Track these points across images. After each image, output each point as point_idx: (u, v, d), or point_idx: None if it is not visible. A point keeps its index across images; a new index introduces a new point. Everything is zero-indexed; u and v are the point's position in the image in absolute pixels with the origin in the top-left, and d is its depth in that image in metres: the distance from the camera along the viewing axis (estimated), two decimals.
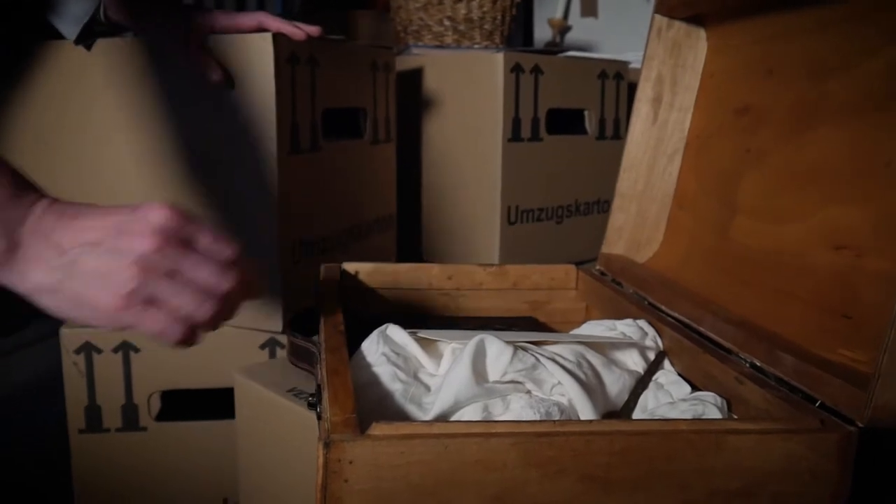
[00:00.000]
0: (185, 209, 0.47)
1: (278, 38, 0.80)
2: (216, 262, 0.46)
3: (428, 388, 0.50)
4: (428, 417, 0.46)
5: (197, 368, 0.89)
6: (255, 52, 0.80)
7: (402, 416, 0.46)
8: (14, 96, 0.92)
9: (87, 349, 0.88)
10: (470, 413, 0.47)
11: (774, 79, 0.67)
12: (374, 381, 0.48)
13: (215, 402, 0.89)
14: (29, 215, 0.45)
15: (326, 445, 0.37)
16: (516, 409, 0.47)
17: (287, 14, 2.85)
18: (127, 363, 0.88)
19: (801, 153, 0.62)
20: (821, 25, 0.61)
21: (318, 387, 0.47)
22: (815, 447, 0.41)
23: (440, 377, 0.50)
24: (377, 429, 0.38)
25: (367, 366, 0.51)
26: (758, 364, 0.52)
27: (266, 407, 0.72)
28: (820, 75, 0.61)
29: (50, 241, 0.45)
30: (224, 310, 0.46)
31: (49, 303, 0.45)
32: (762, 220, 0.66)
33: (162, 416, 0.91)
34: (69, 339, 0.87)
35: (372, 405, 0.46)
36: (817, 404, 0.46)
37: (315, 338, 0.55)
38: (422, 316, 0.73)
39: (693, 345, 0.57)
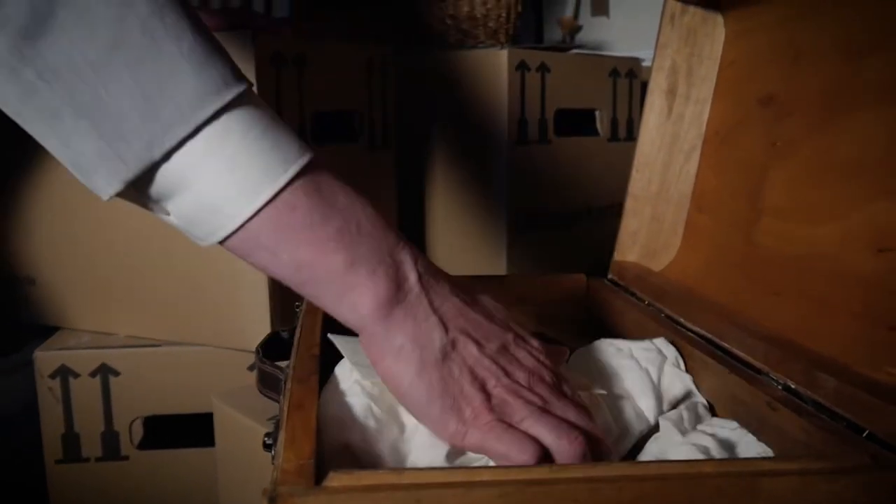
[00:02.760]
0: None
1: (260, 36, 0.74)
2: (583, 413, 0.40)
3: (403, 428, 0.43)
4: (402, 463, 0.40)
5: (181, 393, 0.83)
6: (235, 51, 0.74)
7: (371, 459, 0.40)
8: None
9: (64, 373, 0.82)
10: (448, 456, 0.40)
11: (802, 63, 0.60)
12: (344, 416, 0.41)
13: (202, 428, 0.83)
14: (405, 249, 0.40)
15: (272, 500, 0.30)
16: None
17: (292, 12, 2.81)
18: (106, 388, 0.83)
19: (835, 144, 0.55)
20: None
21: (276, 424, 0.41)
22: (866, 490, 0.34)
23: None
24: (335, 479, 0.31)
25: (341, 394, 0.44)
26: (793, 386, 0.45)
27: (245, 435, 0.66)
28: (855, 56, 0.54)
29: (433, 303, 0.39)
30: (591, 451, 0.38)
31: (400, 371, 0.38)
32: (793, 221, 0.58)
33: (145, 444, 0.85)
34: (44, 362, 0.82)
35: (338, 446, 0.40)
36: (865, 434, 0.39)
37: (287, 363, 0.49)
38: None
39: (718, 364, 0.50)
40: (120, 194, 0.36)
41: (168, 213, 0.38)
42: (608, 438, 0.42)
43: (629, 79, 1.18)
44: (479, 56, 1.05)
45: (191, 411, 0.83)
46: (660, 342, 0.57)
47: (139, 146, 0.34)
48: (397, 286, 0.38)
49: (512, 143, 1.03)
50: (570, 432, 0.37)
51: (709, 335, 0.55)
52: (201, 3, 2.59)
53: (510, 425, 0.37)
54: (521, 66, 1.02)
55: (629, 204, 0.75)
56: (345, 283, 0.38)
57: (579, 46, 1.65)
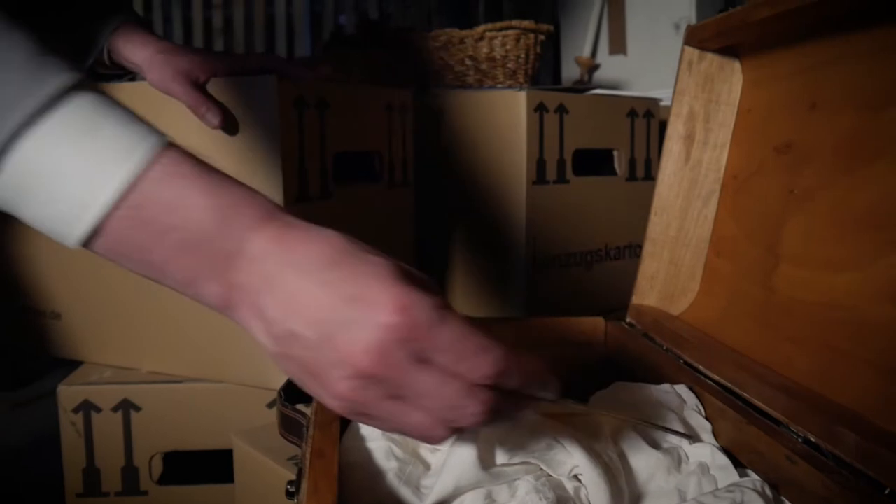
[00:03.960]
0: (437, 298, 0.36)
1: (284, 81, 0.76)
2: (455, 391, 0.35)
3: (428, 467, 0.43)
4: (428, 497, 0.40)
5: (200, 429, 0.83)
6: (259, 96, 0.76)
7: (393, 501, 0.40)
8: None
9: (86, 408, 0.83)
10: (470, 500, 0.40)
11: (819, 113, 0.61)
12: (366, 459, 0.42)
13: (221, 464, 0.83)
14: (242, 255, 0.36)
15: None
16: (521, 495, 0.41)
17: (314, 54, 2.86)
18: (127, 423, 0.84)
19: (853, 194, 0.55)
20: (871, 52, 0.55)
21: (300, 471, 0.41)
22: None
23: (443, 453, 0.44)
24: None
25: (361, 440, 0.45)
26: (813, 440, 0.45)
27: (263, 473, 0.67)
28: (872, 107, 0.54)
29: (256, 308, 0.36)
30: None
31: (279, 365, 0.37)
32: (811, 269, 0.59)
33: (164, 480, 0.85)
34: (67, 396, 0.83)
35: (360, 488, 0.40)
36: (886, 492, 0.39)
37: (309, 407, 0.49)
38: None
39: (737, 414, 0.50)
40: None
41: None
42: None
43: (647, 119, 1.18)
44: (498, 97, 1.06)
45: (210, 448, 0.84)
46: (680, 388, 0.57)
47: None
48: (228, 301, 0.37)
49: (530, 182, 1.04)
50: (430, 430, 0.36)
51: (727, 384, 0.56)
52: (246, 41, 2.62)
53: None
54: (540, 108, 1.03)
55: (647, 248, 0.75)
56: (194, 292, 0.38)
57: (597, 85, 1.66)
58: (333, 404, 0.36)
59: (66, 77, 0.34)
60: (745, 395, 0.53)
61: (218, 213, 0.36)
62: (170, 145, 0.37)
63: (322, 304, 0.35)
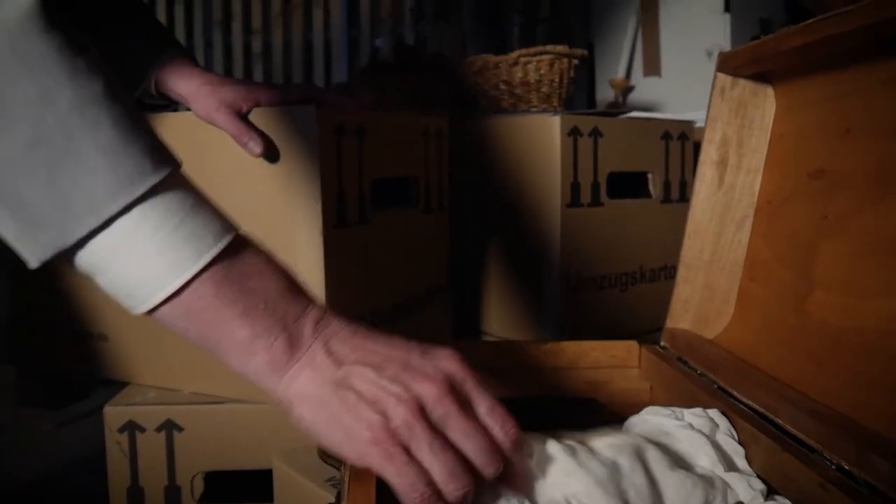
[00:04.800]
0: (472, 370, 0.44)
1: (323, 110, 0.78)
2: (487, 441, 0.42)
3: None
4: None
5: (241, 449, 0.85)
6: (300, 125, 0.78)
7: None
8: None
9: (131, 428, 0.85)
10: None
11: (852, 138, 0.61)
12: None
13: (262, 484, 0.85)
14: (305, 315, 0.43)
15: None
16: None
17: (352, 77, 2.90)
18: (170, 443, 0.86)
19: (886, 220, 0.55)
20: None
21: (338, 493, 0.43)
22: None
23: None
24: None
25: None
26: (846, 467, 0.45)
27: (303, 494, 0.68)
28: None
29: (330, 349, 0.43)
30: (473, 490, 0.41)
31: (303, 414, 0.42)
32: (844, 295, 0.59)
33: (205, 499, 0.87)
34: (113, 416, 0.85)
35: None
36: None
37: None
38: None
39: (770, 440, 0.51)
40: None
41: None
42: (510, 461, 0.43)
43: (681, 141, 1.19)
44: (532, 121, 1.07)
45: (250, 468, 0.86)
46: (713, 412, 0.58)
47: (52, 234, 0.38)
48: (293, 349, 0.42)
49: (564, 205, 1.05)
50: (459, 479, 0.40)
51: (761, 409, 0.56)
52: (284, 68, 2.67)
53: (410, 454, 0.40)
54: (574, 132, 1.05)
55: (681, 272, 0.76)
56: (246, 352, 0.42)
57: (632, 107, 1.67)
58: (381, 429, 0.40)
59: (149, 181, 0.39)
60: (779, 420, 0.53)
61: (286, 284, 0.43)
62: (238, 235, 0.43)
63: (394, 349, 0.43)
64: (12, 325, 1.08)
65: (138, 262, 0.39)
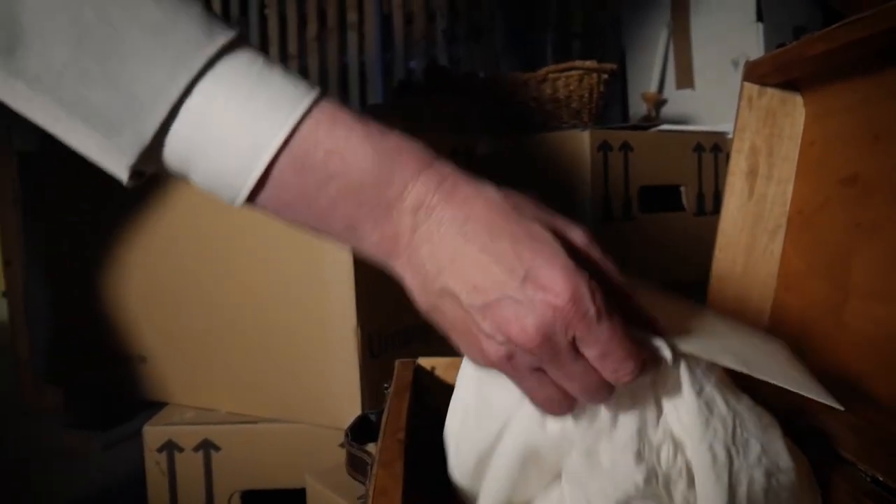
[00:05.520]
0: (603, 254, 0.39)
1: None
2: (598, 377, 0.37)
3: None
4: None
5: (276, 468, 0.86)
6: None
7: None
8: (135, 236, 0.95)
9: (170, 447, 0.87)
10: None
11: (882, 144, 0.60)
12: None
13: (296, 502, 0.86)
14: (406, 200, 0.37)
15: None
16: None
17: (386, 99, 2.93)
18: (208, 462, 0.87)
19: None
20: None
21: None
22: None
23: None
24: None
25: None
26: (881, 479, 0.44)
27: None
28: None
29: (414, 259, 0.37)
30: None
31: (421, 306, 0.39)
32: (881, 303, 0.57)
33: None
34: (152, 436, 0.87)
35: None
36: None
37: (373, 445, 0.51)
38: None
39: (802, 452, 0.49)
40: (150, 173, 0.37)
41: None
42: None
43: (714, 153, 1.18)
44: (562, 137, 1.07)
45: (285, 487, 0.86)
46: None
47: (130, 133, 0.35)
48: (392, 244, 0.38)
49: (596, 220, 1.04)
50: (562, 404, 0.38)
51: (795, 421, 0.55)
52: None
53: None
54: (604, 147, 1.04)
55: (713, 285, 0.75)
56: (349, 240, 0.39)
57: (665, 120, 1.66)
58: (479, 359, 0.38)
59: (231, 33, 0.36)
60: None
61: (377, 160, 0.37)
62: (326, 97, 0.37)
63: (487, 273, 0.36)
64: (55, 348, 1.11)
65: (216, 149, 0.35)
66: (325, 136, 0.36)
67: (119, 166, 0.36)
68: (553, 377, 0.37)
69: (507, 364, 0.37)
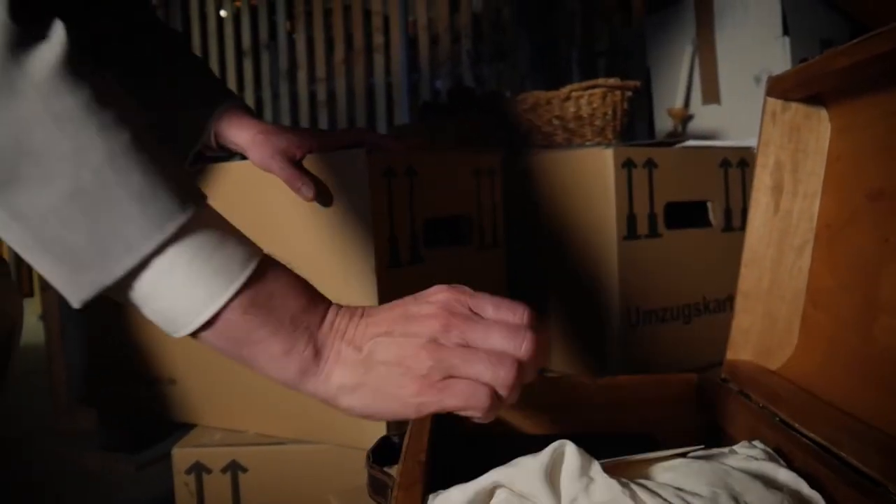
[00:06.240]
0: (466, 287, 0.49)
1: (372, 153, 0.80)
2: (506, 327, 0.46)
3: None
4: None
5: (302, 489, 0.86)
6: (350, 169, 0.80)
7: None
8: None
9: (198, 469, 0.88)
10: None
11: None
12: None
13: None
14: (324, 321, 0.47)
15: None
16: None
17: (413, 120, 2.96)
18: (235, 484, 0.87)
19: None
20: None
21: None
22: None
23: None
24: None
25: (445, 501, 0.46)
26: None
27: None
28: None
29: (346, 340, 0.47)
30: (522, 372, 0.46)
31: (351, 402, 0.46)
32: None
33: None
34: (180, 458, 0.88)
35: None
36: None
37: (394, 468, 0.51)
38: (521, 436, 0.68)
39: (832, 473, 0.49)
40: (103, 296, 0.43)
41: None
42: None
43: (741, 168, 1.16)
44: (585, 155, 1.07)
45: None
46: (756, 443, 0.56)
47: (94, 275, 0.41)
48: (320, 354, 0.46)
49: (621, 238, 1.04)
50: (501, 361, 0.45)
51: (823, 442, 0.53)
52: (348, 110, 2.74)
53: (454, 378, 0.45)
54: (627, 163, 1.04)
55: (739, 302, 0.74)
56: (280, 365, 0.46)
57: (692, 135, 1.65)
58: (419, 378, 0.45)
59: (178, 220, 0.42)
60: (842, 453, 0.51)
61: (306, 296, 0.47)
62: (262, 260, 0.46)
63: (393, 310, 0.48)
64: (88, 371, 1.13)
65: (175, 294, 0.43)
66: (264, 289, 0.45)
67: (74, 296, 0.42)
68: (476, 345, 0.45)
69: (441, 356, 0.45)
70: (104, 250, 0.41)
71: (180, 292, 0.43)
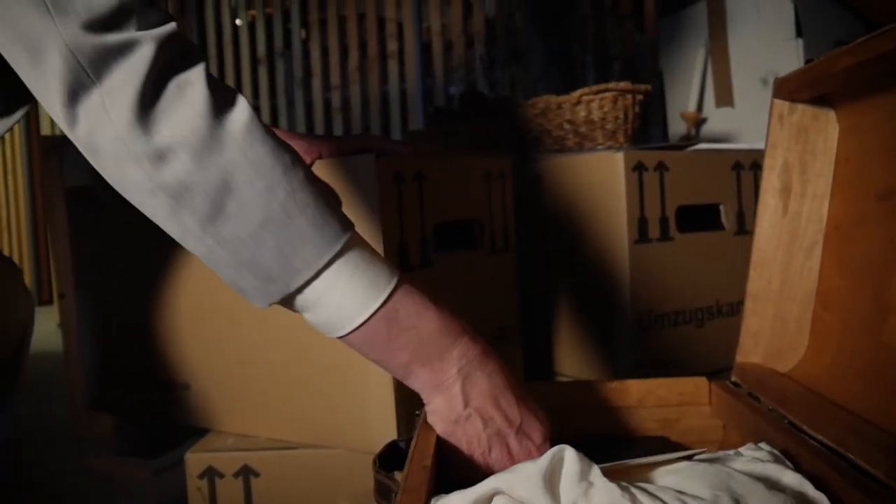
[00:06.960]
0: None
1: (382, 158, 0.81)
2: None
3: None
4: None
5: (313, 493, 0.87)
6: (360, 174, 0.81)
7: None
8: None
9: (210, 474, 0.88)
10: None
11: None
12: None
13: None
14: (453, 351, 0.56)
15: None
16: None
17: (427, 126, 2.96)
18: (248, 488, 0.88)
19: None
20: None
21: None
22: None
23: None
24: None
25: None
26: None
27: None
28: None
29: (463, 388, 0.55)
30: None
31: (435, 421, 0.56)
32: None
33: None
34: (193, 463, 0.88)
35: None
36: None
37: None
38: None
39: (839, 476, 0.48)
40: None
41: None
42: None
43: (753, 171, 1.16)
44: (596, 159, 1.07)
45: None
46: (763, 445, 0.55)
47: (280, 284, 0.51)
48: (437, 380, 0.55)
49: (632, 242, 1.03)
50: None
51: (832, 444, 0.53)
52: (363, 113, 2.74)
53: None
54: (638, 167, 1.04)
55: (749, 304, 0.74)
56: (405, 375, 0.56)
57: (705, 138, 1.64)
58: (482, 449, 0.56)
59: (342, 240, 0.51)
60: (851, 455, 0.50)
61: (441, 323, 0.55)
62: (403, 278, 0.55)
63: (502, 413, 0.56)
64: (105, 376, 1.14)
65: (336, 302, 0.52)
66: (404, 306, 0.54)
67: (263, 301, 0.52)
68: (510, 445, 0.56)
69: (495, 439, 0.56)
70: (288, 266, 0.50)
71: (341, 301, 0.52)
